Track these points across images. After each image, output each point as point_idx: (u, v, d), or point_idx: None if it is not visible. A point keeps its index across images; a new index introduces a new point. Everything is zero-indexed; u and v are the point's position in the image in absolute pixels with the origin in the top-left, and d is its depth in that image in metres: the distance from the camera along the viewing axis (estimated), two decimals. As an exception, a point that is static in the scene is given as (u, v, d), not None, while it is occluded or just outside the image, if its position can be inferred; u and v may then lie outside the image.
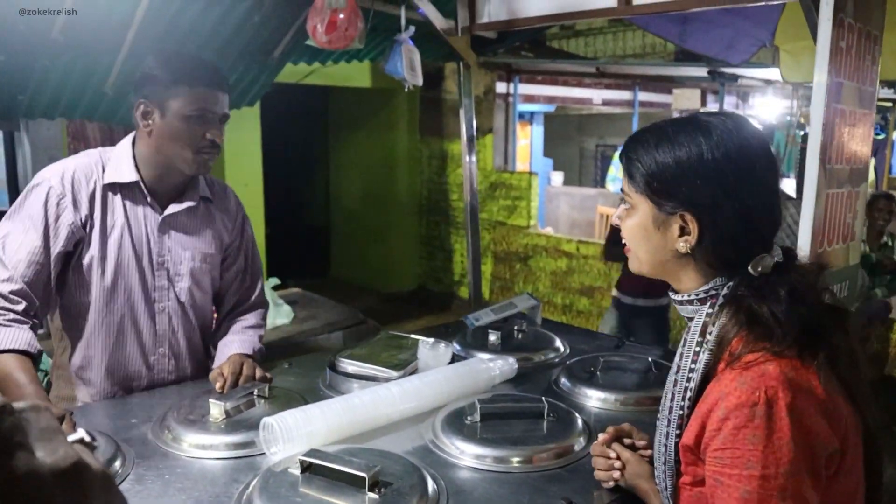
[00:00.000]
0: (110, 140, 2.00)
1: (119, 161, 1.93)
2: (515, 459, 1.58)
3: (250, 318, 2.20)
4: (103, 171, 1.91)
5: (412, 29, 2.86)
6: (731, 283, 1.15)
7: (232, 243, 2.16)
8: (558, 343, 2.40)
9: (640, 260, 1.26)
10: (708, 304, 1.17)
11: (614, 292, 4.28)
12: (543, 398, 1.79)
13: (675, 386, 1.19)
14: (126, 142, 1.96)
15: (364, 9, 2.65)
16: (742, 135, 1.16)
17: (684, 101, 12.53)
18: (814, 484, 1.03)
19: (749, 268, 1.13)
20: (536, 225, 8.02)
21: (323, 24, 2.44)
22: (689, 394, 1.15)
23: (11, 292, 1.79)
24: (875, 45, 2.21)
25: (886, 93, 8.63)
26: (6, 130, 5.09)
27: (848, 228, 2.19)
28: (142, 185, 1.93)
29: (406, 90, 2.93)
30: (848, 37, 2.02)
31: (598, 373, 2.05)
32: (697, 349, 1.15)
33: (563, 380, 2.06)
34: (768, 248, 1.16)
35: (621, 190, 1.26)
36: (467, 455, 1.59)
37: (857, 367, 1.13)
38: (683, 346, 1.20)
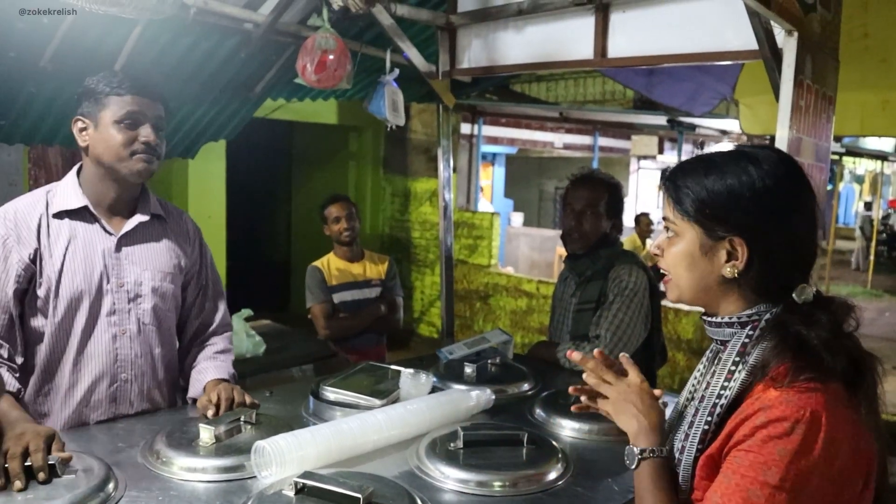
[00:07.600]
0: (72, 165, 2.03)
1: (65, 190, 1.97)
2: (497, 484, 1.65)
3: (218, 343, 2.22)
4: (48, 204, 1.94)
5: (397, 71, 2.97)
6: (774, 310, 1.19)
7: (192, 267, 2.18)
8: (531, 376, 2.48)
9: (682, 288, 1.28)
10: (748, 327, 1.21)
11: None
12: (522, 427, 1.86)
13: (700, 402, 1.23)
14: (72, 172, 2.00)
15: (352, 51, 2.75)
16: (789, 166, 1.22)
17: (642, 147, 12.89)
18: None
19: (794, 295, 1.17)
20: (497, 264, 8.14)
21: (313, 63, 2.53)
22: (718, 409, 1.18)
23: None
24: (830, 104, 2.38)
25: (833, 146, 8.99)
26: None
27: (805, 274, 2.33)
28: (90, 208, 1.96)
29: (388, 129, 3.02)
30: (807, 96, 2.19)
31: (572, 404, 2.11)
32: (734, 368, 1.19)
33: (539, 410, 2.14)
34: (806, 279, 1.20)
35: (664, 219, 1.29)
36: (451, 479, 1.66)
37: (879, 407, 1.17)
38: (715, 364, 1.25)
